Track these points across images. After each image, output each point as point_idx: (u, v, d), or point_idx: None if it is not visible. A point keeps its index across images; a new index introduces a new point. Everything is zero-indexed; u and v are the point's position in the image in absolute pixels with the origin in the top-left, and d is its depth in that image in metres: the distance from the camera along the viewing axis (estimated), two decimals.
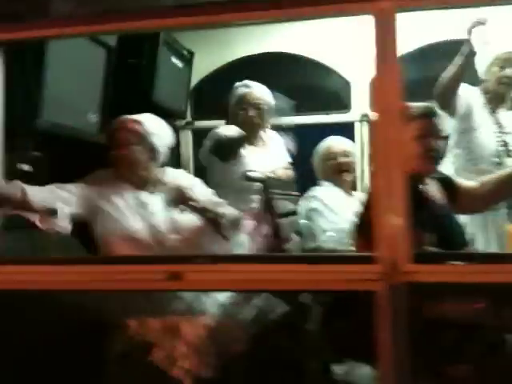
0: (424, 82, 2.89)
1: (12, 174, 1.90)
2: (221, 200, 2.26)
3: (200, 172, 3.01)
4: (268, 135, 2.96)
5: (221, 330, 1.75)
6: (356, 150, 3.10)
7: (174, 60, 3.07)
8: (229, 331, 1.74)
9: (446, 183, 2.11)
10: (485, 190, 2.12)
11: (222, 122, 3.03)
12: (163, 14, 1.58)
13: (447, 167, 2.57)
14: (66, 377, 1.72)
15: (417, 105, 2.03)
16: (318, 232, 2.69)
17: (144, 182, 2.09)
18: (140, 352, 1.73)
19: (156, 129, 2.08)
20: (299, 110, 3.14)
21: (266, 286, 1.56)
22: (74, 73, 2.33)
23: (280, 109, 2.94)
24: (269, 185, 2.49)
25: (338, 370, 1.62)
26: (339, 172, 2.83)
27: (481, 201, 2.18)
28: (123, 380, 1.72)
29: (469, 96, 2.78)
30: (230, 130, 2.73)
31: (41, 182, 2.10)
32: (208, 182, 2.50)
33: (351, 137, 3.18)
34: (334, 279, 1.42)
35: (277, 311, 1.76)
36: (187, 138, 3.50)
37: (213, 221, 2.07)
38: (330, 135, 2.96)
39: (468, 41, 2.57)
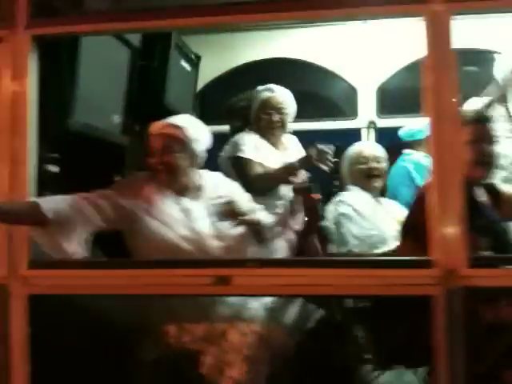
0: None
1: (40, 174, 1.84)
2: (259, 206, 2.25)
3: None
4: (288, 138, 2.95)
5: (270, 336, 1.72)
6: None
7: (183, 63, 3.05)
8: (278, 337, 1.72)
9: (490, 189, 2.10)
10: None
11: (227, 126, 3.02)
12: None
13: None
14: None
15: (469, 110, 2.02)
16: (348, 237, 2.67)
17: (185, 188, 2.06)
18: (182, 359, 1.71)
19: (197, 134, 2.05)
20: (305, 116, 3.11)
21: (317, 292, 1.54)
22: (101, 72, 2.31)
23: None
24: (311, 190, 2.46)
25: (387, 376, 1.60)
26: (369, 177, 2.80)
27: None
28: None
29: None
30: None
31: (66, 183, 2.08)
32: None
33: None
34: (391, 284, 1.41)
35: (326, 316, 1.73)
36: None
37: (254, 227, 2.05)
38: (335, 142, 2.94)
39: None
